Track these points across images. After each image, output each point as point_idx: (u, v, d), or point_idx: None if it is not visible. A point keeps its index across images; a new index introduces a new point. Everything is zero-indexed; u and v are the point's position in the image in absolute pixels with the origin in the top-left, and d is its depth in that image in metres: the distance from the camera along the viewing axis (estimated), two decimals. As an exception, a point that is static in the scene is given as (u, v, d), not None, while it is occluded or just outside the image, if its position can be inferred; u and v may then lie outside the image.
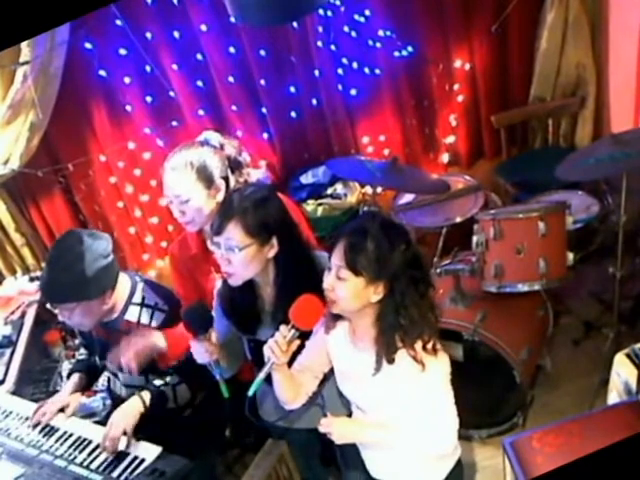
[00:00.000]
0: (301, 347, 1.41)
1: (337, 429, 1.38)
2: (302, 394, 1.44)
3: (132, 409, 1.68)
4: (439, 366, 1.33)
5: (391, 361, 1.31)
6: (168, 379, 1.79)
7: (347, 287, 1.27)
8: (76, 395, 1.87)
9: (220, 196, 1.69)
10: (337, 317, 1.39)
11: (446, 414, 1.36)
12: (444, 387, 1.35)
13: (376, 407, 1.40)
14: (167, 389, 1.79)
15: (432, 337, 1.32)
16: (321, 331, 1.43)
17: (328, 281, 1.30)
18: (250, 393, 1.33)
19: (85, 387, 1.92)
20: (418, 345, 1.30)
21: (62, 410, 1.82)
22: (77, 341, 2.07)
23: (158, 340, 1.63)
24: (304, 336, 1.39)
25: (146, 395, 1.72)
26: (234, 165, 1.75)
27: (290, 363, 1.39)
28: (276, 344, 1.29)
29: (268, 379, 1.37)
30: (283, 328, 1.31)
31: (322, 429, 1.37)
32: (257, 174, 2.82)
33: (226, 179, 1.71)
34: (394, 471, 1.48)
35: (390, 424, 1.38)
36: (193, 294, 1.79)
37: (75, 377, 1.91)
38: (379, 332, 1.31)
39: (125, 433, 1.65)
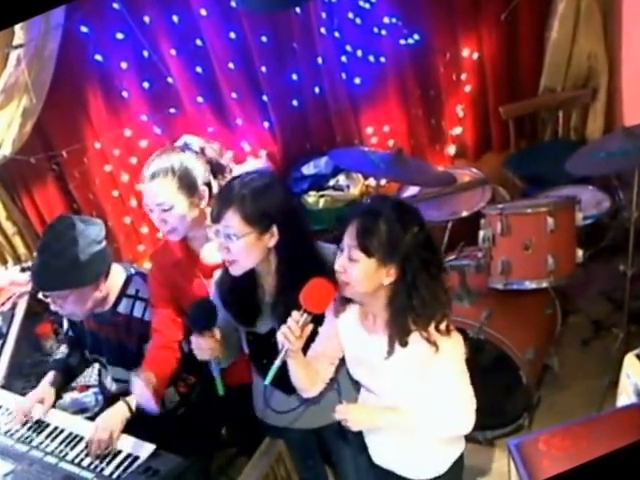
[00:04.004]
0: (315, 334, 1.39)
1: (353, 416, 1.37)
2: (319, 381, 1.43)
3: (117, 415, 1.64)
4: (453, 346, 1.32)
5: (404, 344, 1.29)
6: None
7: (359, 268, 1.26)
8: (51, 391, 1.82)
9: (204, 203, 1.65)
10: (347, 301, 1.38)
11: (462, 394, 1.35)
12: (459, 367, 1.34)
13: (389, 390, 1.39)
14: None
15: (445, 318, 1.30)
16: (332, 316, 1.42)
17: (340, 262, 1.29)
18: (267, 382, 1.32)
19: (60, 387, 1.86)
20: (431, 326, 1.29)
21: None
22: (62, 333, 2.01)
23: (149, 376, 1.60)
24: (318, 323, 1.38)
25: (132, 400, 1.68)
26: (216, 169, 1.69)
27: (305, 351, 1.37)
28: (289, 329, 1.28)
29: (275, 380, 1.33)
30: (295, 313, 1.29)
31: (338, 416, 1.36)
32: (257, 164, 2.80)
33: (209, 185, 1.66)
34: (399, 457, 1.47)
35: (405, 407, 1.38)
36: (169, 305, 1.73)
37: (50, 375, 1.84)
38: (391, 315, 1.30)
39: (111, 437, 1.61)
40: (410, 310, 1.28)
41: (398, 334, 1.29)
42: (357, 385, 1.49)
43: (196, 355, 1.45)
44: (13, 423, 1.75)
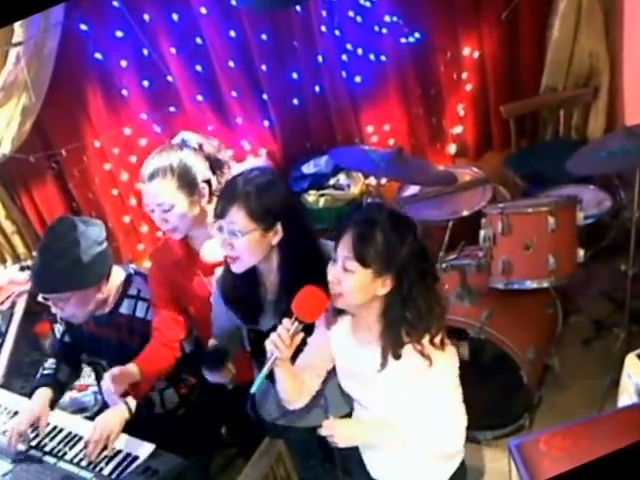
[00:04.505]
0: (304, 345, 1.36)
1: (340, 432, 1.32)
2: (305, 393, 1.39)
3: (116, 415, 1.63)
4: (447, 361, 1.29)
5: (397, 357, 1.26)
6: (155, 384, 1.74)
7: (354, 279, 1.23)
8: (46, 407, 1.75)
9: (204, 201, 1.64)
10: (339, 312, 1.36)
11: (454, 411, 1.33)
12: (452, 383, 1.32)
13: (381, 404, 1.37)
14: (154, 394, 1.75)
15: (439, 331, 1.28)
16: (323, 327, 1.39)
17: (334, 273, 1.25)
18: (253, 390, 1.29)
19: (53, 402, 1.79)
20: (425, 339, 1.27)
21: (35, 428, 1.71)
22: (51, 343, 1.97)
23: (132, 370, 1.60)
24: (308, 332, 1.35)
25: (132, 401, 1.67)
26: (215, 165, 1.68)
27: (293, 361, 1.35)
28: (279, 337, 1.24)
29: (269, 377, 1.32)
30: (286, 321, 1.26)
31: (324, 432, 1.32)
32: (257, 163, 2.79)
33: (208, 182, 1.65)
34: (395, 472, 1.44)
35: (395, 422, 1.35)
36: (170, 304, 1.73)
37: (41, 391, 1.77)
38: (385, 326, 1.27)
39: (110, 438, 1.60)
40: (404, 321, 1.25)
41: (391, 346, 1.26)
42: (349, 399, 1.46)
43: (208, 380, 1.46)
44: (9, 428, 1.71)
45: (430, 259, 1.29)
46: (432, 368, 1.26)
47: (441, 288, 1.33)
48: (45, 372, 1.84)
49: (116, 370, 1.55)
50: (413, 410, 1.31)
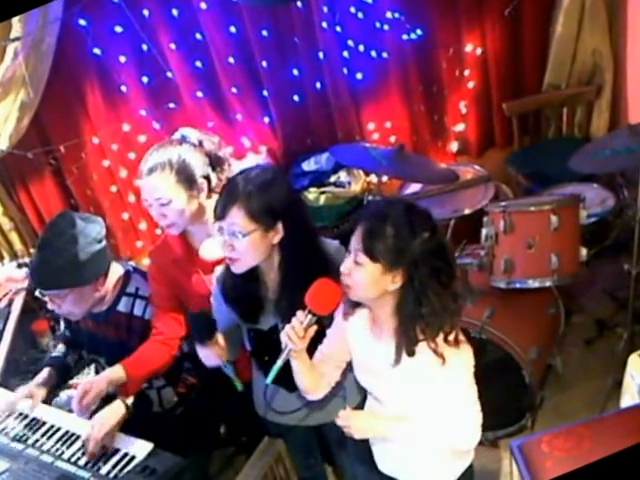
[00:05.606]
0: (322, 336, 1.37)
1: (356, 423, 1.34)
2: (324, 384, 1.41)
3: (114, 413, 1.62)
4: (461, 359, 1.28)
5: (411, 353, 1.26)
6: (153, 382, 1.74)
7: (364, 273, 1.23)
8: (43, 388, 1.78)
9: (202, 197, 1.63)
10: (356, 304, 1.35)
11: (469, 408, 1.32)
12: (467, 381, 1.31)
13: (394, 399, 1.37)
14: (152, 392, 1.74)
15: (454, 328, 1.27)
16: (340, 319, 1.40)
17: (346, 265, 1.26)
18: (268, 381, 1.30)
19: (55, 384, 1.83)
20: (439, 337, 1.26)
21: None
22: (58, 333, 2.00)
23: (117, 374, 1.61)
24: (325, 324, 1.36)
25: (129, 399, 1.66)
26: (215, 162, 1.67)
27: (311, 353, 1.36)
28: (293, 330, 1.26)
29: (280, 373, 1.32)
30: (300, 314, 1.27)
31: (340, 422, 1.34)
32: (257, 160, 2.77)
33: (207, 177, 1.64)
34: (405, 466, 1.45)
35: (409, 417, 1.35)
36: (169, 303, 1.73)
37: (45, 371, 1.81)
38: (399, 323, 1.27)
39: (108, 436, 1.59)
40: (419, 319, 1.24)
41: (405, 343, 1.26)
42: (364, 391, 1.46)
43: (204, 363, 1.46)
44: (9, 421, 1.73)
45: (447, 256, 1.26)
46: (446, 366, 1.25)
47: (458, 286, 1.30)
48: (54, 354, 1.87)
49: (87, 386, 1.56)
50: (426, 406, 1.31)
